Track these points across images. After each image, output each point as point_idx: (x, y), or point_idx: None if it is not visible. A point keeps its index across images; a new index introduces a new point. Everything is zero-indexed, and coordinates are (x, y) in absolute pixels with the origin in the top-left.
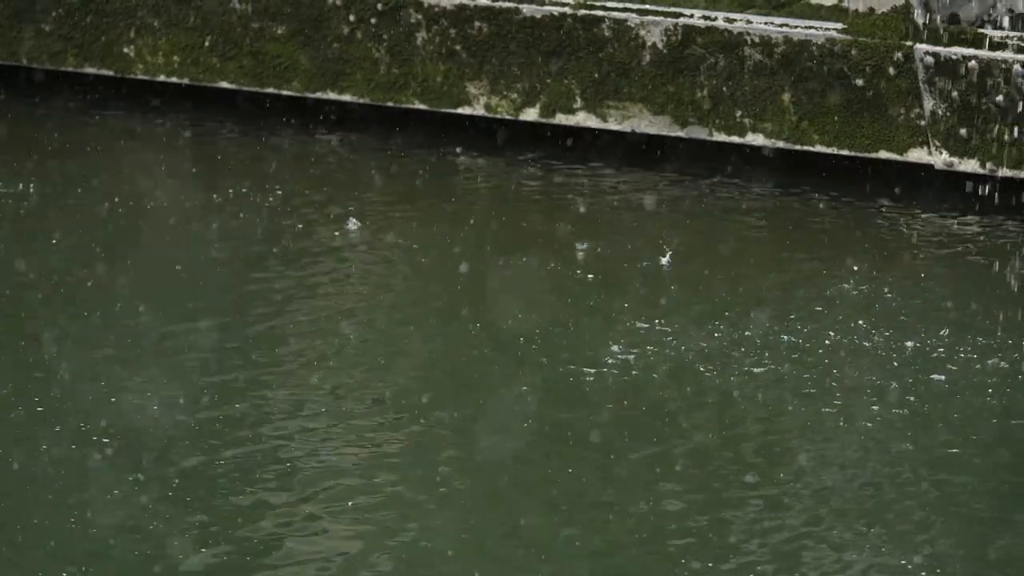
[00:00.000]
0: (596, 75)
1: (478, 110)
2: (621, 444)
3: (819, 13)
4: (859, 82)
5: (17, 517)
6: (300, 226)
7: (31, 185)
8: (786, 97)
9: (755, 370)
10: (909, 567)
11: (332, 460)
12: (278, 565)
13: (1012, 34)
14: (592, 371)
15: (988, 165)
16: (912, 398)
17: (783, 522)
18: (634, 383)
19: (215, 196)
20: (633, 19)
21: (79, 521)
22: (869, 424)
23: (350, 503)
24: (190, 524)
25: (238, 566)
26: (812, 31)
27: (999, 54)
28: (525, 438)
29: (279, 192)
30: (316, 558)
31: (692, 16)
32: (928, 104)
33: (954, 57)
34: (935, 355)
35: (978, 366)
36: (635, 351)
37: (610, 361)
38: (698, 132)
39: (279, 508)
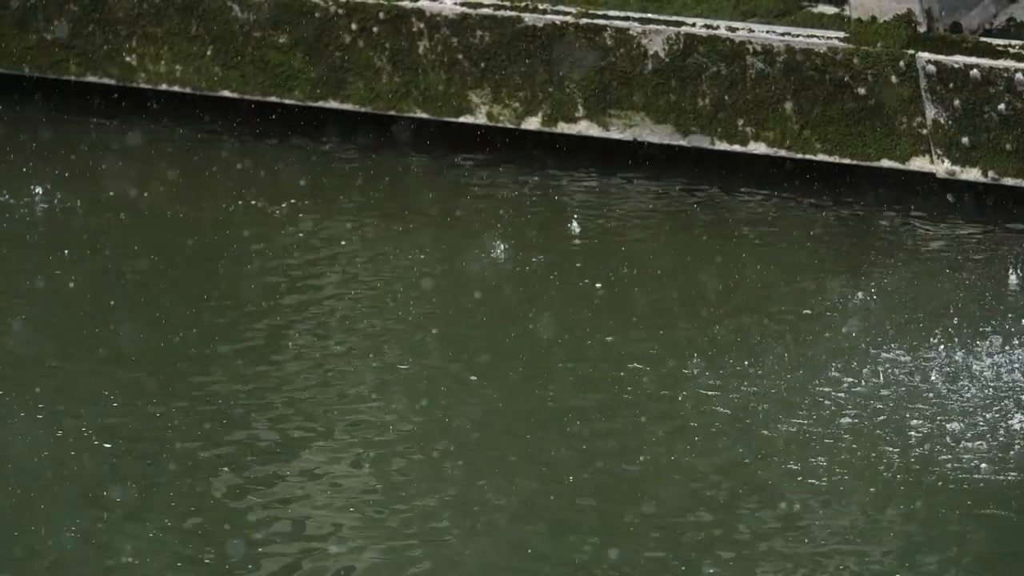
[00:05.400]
0: (598, 84)
1: (480, 119)
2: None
3: (821, 22)
4: (861, 91)
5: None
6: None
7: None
8: (788, 106)
9: (754, 376)
10: None
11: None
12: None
13: (1014, 42)
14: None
15: (990, 174)
16: (917, 404)
17: None
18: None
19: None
20: (635, 28)
21: (82, 519)
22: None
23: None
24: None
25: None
26: (814, 40)
27: (1001, 62)
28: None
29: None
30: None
31: (694, 25)
32: (930, 113)
33: (956, 65)
34: (934, 360)
35: (977, 372)
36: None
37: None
38: (700, 141)
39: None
